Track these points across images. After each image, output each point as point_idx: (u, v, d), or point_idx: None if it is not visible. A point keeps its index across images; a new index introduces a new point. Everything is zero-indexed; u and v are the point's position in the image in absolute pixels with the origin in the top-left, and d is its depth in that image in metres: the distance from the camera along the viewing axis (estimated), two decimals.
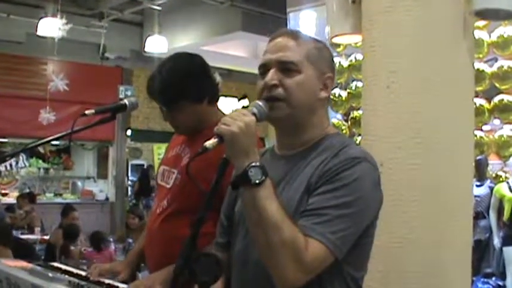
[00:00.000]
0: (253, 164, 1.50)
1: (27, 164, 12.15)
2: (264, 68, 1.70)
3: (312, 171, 1.62)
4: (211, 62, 2.58)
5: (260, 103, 1.64)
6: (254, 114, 1.59)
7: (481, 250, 7.49)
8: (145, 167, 13.54)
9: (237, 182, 1.52)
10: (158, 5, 9.46)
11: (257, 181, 1.49)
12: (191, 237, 1.50)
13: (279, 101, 1.66)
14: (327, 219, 1.52)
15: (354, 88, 5.55)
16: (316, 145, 1.70)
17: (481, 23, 4.15)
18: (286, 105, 1.66)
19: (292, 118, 1.68)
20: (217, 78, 2.59)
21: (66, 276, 2.23)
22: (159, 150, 13.47)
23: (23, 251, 5.29)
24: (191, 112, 2.41)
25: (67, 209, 8.07)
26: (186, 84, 2.39)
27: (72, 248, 6.94)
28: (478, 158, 5.74)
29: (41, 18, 8.94)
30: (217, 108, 2.51)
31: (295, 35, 1.72)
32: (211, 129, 1.58)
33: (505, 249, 7.25)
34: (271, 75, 1.67)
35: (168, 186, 2.48)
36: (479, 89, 4.40)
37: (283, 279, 1.52)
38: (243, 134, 1.50)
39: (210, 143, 1.52)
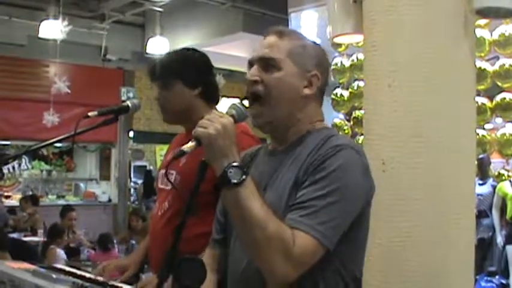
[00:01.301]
0: (233, 164, 1.50)
1: (29, 166, 12.15)
2: (250, 65, 1.74)
3: (299, 165, 1.63)
4: (213, 63, 2.60)
5: (238, 104, 1.65)
6: (232, 115, 1.61)
7: (484, 249, 7.49)
8: (148, 168, 13.51)
9: (218, 184, 1.52)
10: (159, 7, 9.46)
11: (236, 181, 1.49)
12: (174, 242, 1.50)
13: (258, 103, 1.68)
14: (314, 210, 1.52)
15: (355, 88, 5.53)
16: (302, 139, 1.71)
17: (482, 21, 4.14)
18: (263, 108, 1.68)
19: (272, 121, 1.70)
20: (221, 80, 2.62)
21: (70, 277, 2.23)
22: (161, 151, 13.45)
23: (25, 253, 5.30)
24: (181, 96, 2.46)
25: (64, 210, 8.01)
26: (183, 64, 2.48)
27: (52, 246, 6.87)
28: (480, 156, 5.73)
29: (43, 20, 8.94)
30: (216, 109, 2.53)
31: (281, 33, 1.74)
32: None
33: (508, 247, 7.25)
34: (252, 72, 1.71)
35: (168, 187, 2.49)
36: (480, 87, 4.38)
37: (273, 275, 1.52)
38: (220, 135, 1.51)
39: (187, 146, 1.52)
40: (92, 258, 7.02)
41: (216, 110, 2.51)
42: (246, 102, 1.66)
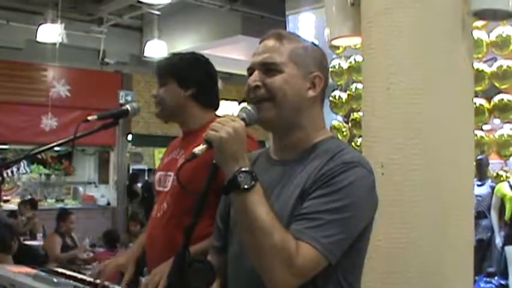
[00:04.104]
0: (243, 169, 1.50)
1: (28, 170, 12.12)
2: (250, 71, 1.72)
3: (306, 176, 1.62)
4: None
5: (249, 107, 1.64)
6: (243, 119, 1.60)
7: (483, 249, 7.49)
8: (133, 171, 13.35)
9: (227, 188, 1.52)
10: (157, 10, 9.46)
11: (246, 186, 1.49)
12: (184, 244, 1.50)
13: (265, 102, 1.66)
14: (320, 223, 1.52)
15: (354, 90, 5.55)
16: (311, 150, 1.69)
17: (479, 23, 4.16)
18: (272, 105, 1.65)
19: (281, 118, 1.67)
20: (218, 82, 2.63)
21: (71, 281, 2.23)
22: (159, 154, 13.42)
23: (30, 256, 5.31)
24: (173, 95, 2.48)
25: (64, 214, 7.82)
26: (179, 65, 2.51)
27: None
28: (479, 157, 5.75)
29: (41, 24, 8.95)
30: (215, 114, 2.54)
31: (280, 36, 1.72)
32: (204, 131, 1.59)
33: (506, 248, 7.25)
34: (254, 77, 1.68)
35: (166, 189, 2.49)
36: (478, 88, 4.41)
37: (274, 284, 1.51)
38: (231, 139, 1.51)
39: (198, 149, 1.52)
40: (98, 257, 6.98)
41: (215, 115, 2.53)
42: (249, 107, 1.65)
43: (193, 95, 2.49)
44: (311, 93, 1.70)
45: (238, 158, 1.52)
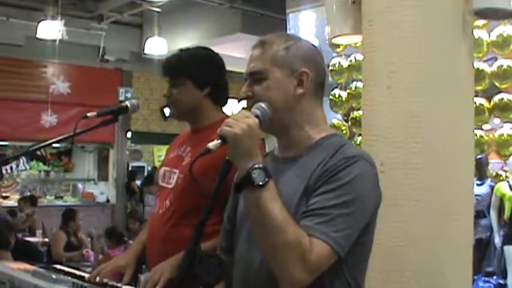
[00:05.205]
0: (257, 165, 1.51)
1: (27, 167, 12.13)
2: (245, 80, 1.76)
3: (310, 172, 1.63)
4: None
5: (263, 105, 1.65)
6: (257, 116, 1.61)
7: (482, 249, 7.50)
8: (132, 168, 13.31)
9: (241, 184, 1.53)
10: (157, 7, 9.46)
11: (260, 183, 1.50)
12: (194, 239, 1.51)
13: None
14: (329, 218, 1.53)
15: (354, 88, 5.53)
16: (313, 146, 1.71)
17: (480, 22, 4.15)
18: None
19: (274, 121, 1.68)
20: None
21: (70, 278, 2.23)
22: (159, 152, 13.45)
23: (29, 253, 5.33)
24: (189, 95, 2.47)
25: (71, 212, 7.87)
26: (194, 65, 2.47)
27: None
28: (479, 157, 5.73)
29: (41, 21, 8.95)
30: (222, 111, 2.54)
31: (263, 43, 1.75)
32: (213, 130, 1.59)
33: (505, 248, 7.25)
34: (243, 89, 1.74)
35: (170, 186, 2.49)
36: (479, 88, 4.39)
37: (288, 280, 1.52)
38: (246, 136, 1.52)
39: (212, 144, 1.53)
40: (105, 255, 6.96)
41: (223, 112, 2.53)
42: (263, 104, 1.67)
43: (209, 94, 2.49)
44: (299, 90, 1.72)
45: (252, 154, 1.53)
